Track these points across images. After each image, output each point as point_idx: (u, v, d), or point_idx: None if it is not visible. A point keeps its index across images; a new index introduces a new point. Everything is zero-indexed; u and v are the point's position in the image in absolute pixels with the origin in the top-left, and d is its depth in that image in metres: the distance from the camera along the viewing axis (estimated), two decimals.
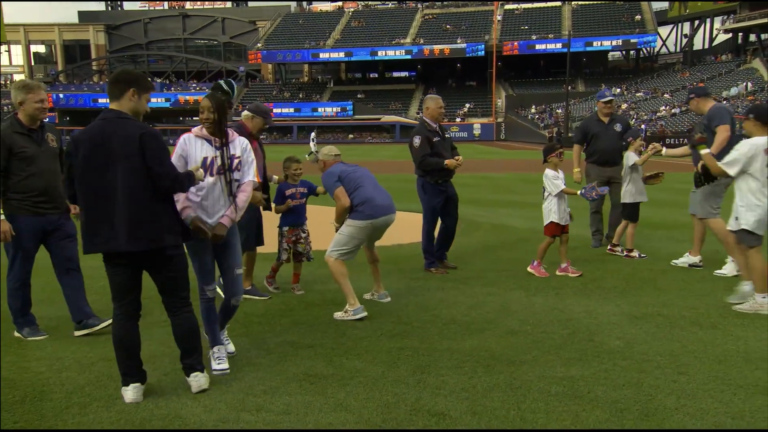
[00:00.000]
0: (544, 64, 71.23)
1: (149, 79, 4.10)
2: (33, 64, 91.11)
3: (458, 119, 64.04)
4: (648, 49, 70.87)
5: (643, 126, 41.01)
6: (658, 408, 3.65)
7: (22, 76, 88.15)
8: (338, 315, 5.50)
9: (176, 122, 66.03)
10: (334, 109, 67.06)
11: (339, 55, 71.77)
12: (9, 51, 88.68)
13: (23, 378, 4.09)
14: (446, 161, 6.91)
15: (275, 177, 6.43)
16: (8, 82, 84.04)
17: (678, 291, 6.23)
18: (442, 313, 5.59)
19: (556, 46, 64.60)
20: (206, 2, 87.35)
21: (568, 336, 4.94)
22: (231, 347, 4.55)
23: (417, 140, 6.95)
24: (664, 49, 76.93)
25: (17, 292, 4.95)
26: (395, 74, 78.29)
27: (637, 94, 59.74)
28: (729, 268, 6.85)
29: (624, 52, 73.64)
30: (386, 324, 5.27)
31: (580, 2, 72.53)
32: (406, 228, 8.76)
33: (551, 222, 6.96)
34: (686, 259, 7.39)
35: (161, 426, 3.41)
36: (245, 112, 5.94)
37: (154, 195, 3.68)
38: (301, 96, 71.16)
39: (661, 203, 12.17)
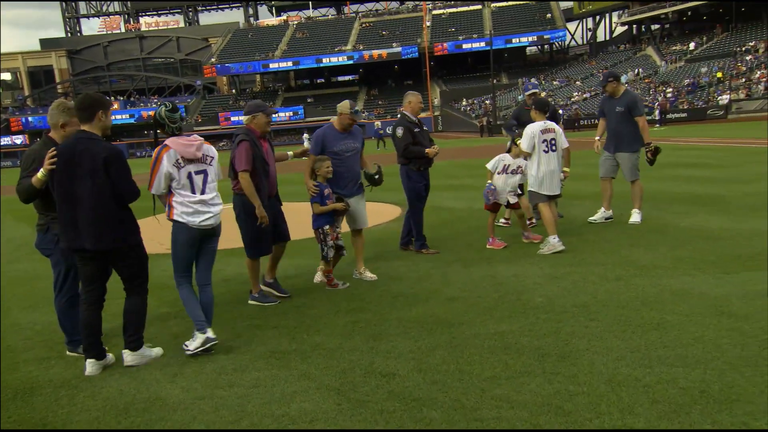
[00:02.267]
0: (471, 61, 71.85)
1: (107, 97, 4.38)
2: (1, 90, 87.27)
3: (399, 115, 64.14)
4: (559, 43, 72.35)
5: (560, 111, 41.79)
6: (572, 350, 3.86)
7: None
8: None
9: (141, 136, 64.24)
10: (287, 114, 66.38)
11: (287, 65, 70.82)
12: None
13: (13, 378, 4.04)
14: (426, 150, 6.89)
15: (290, 153, 6.18)
16: None
17: (590, 251, 6.50)
18: (391, 288, 5.70)
19: (480, 45, 65.19)
20: (160, 23, 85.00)
21: (499, 298, 5.12)
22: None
23: (400, 131, 6.93)
24: (573, 43, 78.72)
25: (68, 313, 4.39)
26: (340, 78, 77.81)
27: (554, 83, 60.91)
28: (636, 218, 7.84)
29: (539, 47, 74.88)
30: (342, 302, 5.36)
31: (498, 4, 73.26)
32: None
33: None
34: (602, 214, 8.04)
35: (143, 407, 3.44)
36: (244, 117, 5.43)
37: (117, 204, 3.97)
38: None
39: (578, 177, 12.54)
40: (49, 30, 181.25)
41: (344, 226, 6.22)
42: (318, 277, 6.20)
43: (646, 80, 50.59)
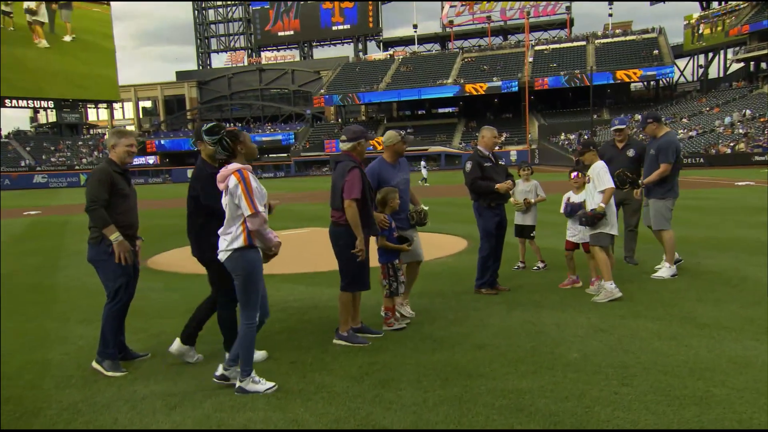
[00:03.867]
0: (571, 96, 69.68)
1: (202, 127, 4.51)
2: (141, 116, 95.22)
3: (496, 147, 63.03)
4: (667, 79, 68.45)
5: None
6: (590, 420, 3.32)
7: (132, 128, 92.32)
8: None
9: (254, 160, 67.41)
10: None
11: (390, 97, 72.16)
12: (122, 107, 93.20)
13: (31, 395, 4.04)
14: (497, 185, 6.38)
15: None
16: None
17: (649, 303, 5.77)
18: (423, 328, 5.31)
19: (581, 80, 63.04)
20: (278, 57, 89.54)
21: (531, 349, 4.60)
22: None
23: (468, 165, 6.52)
24: (682, 79, 74.28)
25: (116, 320, 4.54)
26: (440, 110, 78.05)
27: None
28: (663, 273, 6.86)
29: (645, 83, 71.31)
30: (367, 339, 5.04)
31: (602, 41, 70.77)
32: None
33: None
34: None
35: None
36: (346, 144, 5.06)
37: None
38: None
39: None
40: (185, 63, 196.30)
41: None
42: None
43: (762, 119, 46.63)
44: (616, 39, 70.54)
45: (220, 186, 3.98)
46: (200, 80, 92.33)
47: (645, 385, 3.77)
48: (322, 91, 73.83)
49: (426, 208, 5.88)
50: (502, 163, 6.89)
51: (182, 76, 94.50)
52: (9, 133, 76.28)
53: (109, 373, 4.35)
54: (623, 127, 7.67)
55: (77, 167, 66.80)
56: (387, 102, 75.69)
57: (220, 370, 4.12)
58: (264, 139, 72.98)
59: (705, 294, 6.00)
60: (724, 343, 4.52)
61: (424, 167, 38.15)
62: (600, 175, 6.10)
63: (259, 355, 4.23)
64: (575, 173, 6.61)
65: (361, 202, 4.88)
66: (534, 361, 4.33)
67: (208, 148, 4.39)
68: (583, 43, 71.29)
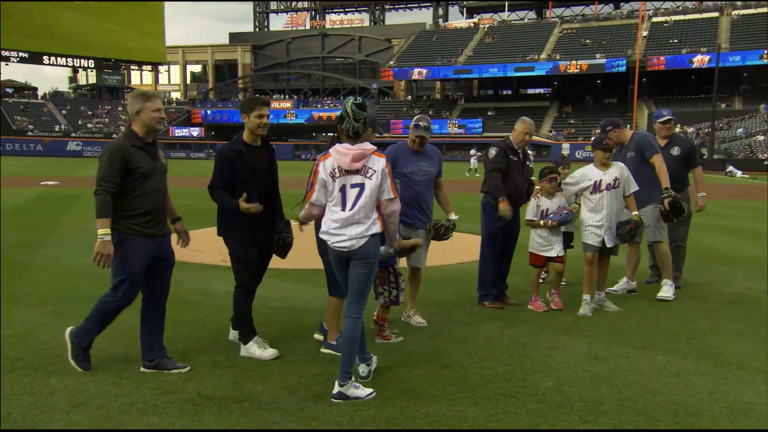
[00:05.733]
0: (695, 80, 66.84)
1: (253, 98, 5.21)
2: (189, 82, 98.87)
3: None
4: None
5: None
6: None
7: (178, 95, 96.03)
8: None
9: (308, 137, 68.68)
10: (461, 128, 66.38)
11: (471, 72, 71.62)
12: (168, 71, 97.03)
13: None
14: (502, 204, 6.32)
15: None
16: (166, 100, 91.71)
17: (675, 332, 5.69)
18: (394, 342, 5.44)
19: (707, 61, 60.32)
20: (345, 21, 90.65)
21: (503, 373, 4.66)
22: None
23: (493, 151, 6.58)
24: None
25: (104, 316, 4.59)
26: (529, 91, 76.81)
27: None
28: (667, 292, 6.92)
29: None
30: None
31: (741, 12, 67.30)
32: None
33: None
34: (624, 285, 7.34)
35: None
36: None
37: None
38: (430, 113, 71.73)
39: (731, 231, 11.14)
40: (240, 24, 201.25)
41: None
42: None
43: None
44: (760, 10, 66.74)
45: (356, 165, 4.18)
46: (255, 44, 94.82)
47: (608, 425, 3.79)
48: (391, 62, 74.17)
49: (455, 218, 5.95)
50: (530, 164, 6.87)
51: (236, 38, 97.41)
52: (45, 94, 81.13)
53: (73, 364, 4.57)
54: (672, 119, 7.40)
55: (114, 135, 70.45)
56: (466, 79, 75.18)
57: (336, 388, 4.19)
58: (322, 114, 74.01)
59: (751, 328, 5.82)
60: (735, 386, 4.43)
61: (474, 156, 38.58)
62: (629, 179, 6.38)
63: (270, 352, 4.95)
64: (551, 177, 6.65)
65: None
66: (498, 387, 4.40)
67: (260, 120, 4.90)
68: (716, 14, 68.17)
